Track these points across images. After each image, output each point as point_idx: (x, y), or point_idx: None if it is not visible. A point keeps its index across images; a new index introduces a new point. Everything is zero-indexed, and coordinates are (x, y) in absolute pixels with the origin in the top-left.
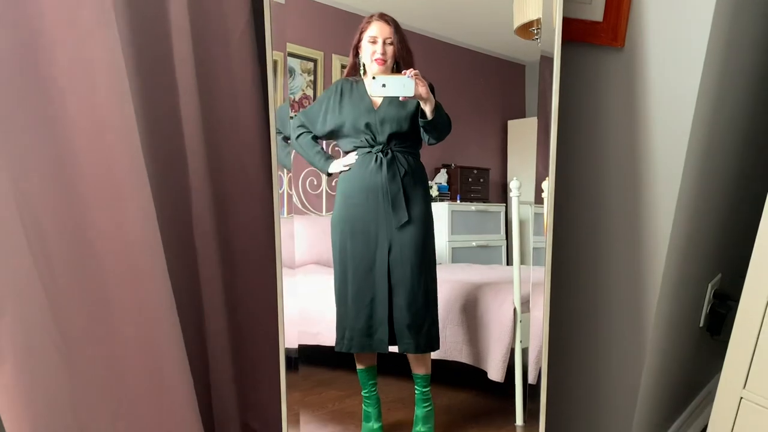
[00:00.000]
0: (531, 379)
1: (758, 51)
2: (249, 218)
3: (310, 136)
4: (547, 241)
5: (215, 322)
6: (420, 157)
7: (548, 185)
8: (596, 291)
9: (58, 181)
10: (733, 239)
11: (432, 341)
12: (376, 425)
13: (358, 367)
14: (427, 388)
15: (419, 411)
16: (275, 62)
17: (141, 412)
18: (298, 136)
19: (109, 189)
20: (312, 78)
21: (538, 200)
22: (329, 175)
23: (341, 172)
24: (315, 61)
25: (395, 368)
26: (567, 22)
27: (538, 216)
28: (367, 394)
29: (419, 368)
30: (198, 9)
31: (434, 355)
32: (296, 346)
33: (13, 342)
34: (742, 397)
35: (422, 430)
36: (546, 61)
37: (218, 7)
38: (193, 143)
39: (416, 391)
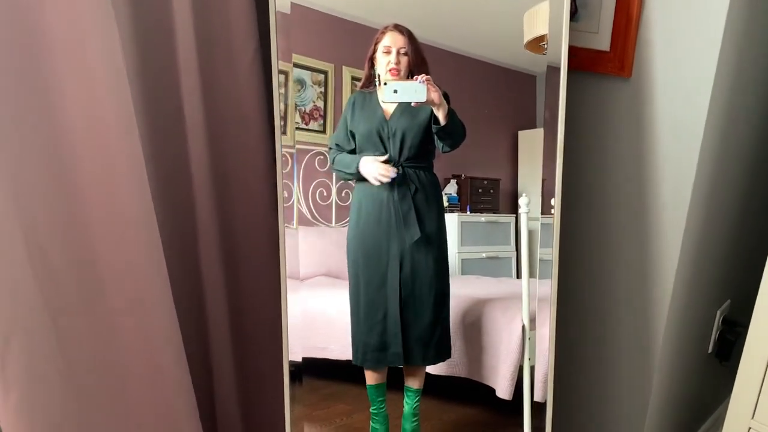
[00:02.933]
0: (537, 398)
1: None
2: (254, 233)
3: (344, 152)
4: (553, 264)
5: (219, 340)
6: (433, 168)
7: (555, 205)
8: (603, 313)
9: (62, 203)
10: (742, 266)
11: (441, 352)
12: None
13: (368, 383)
14: (418, 403)
15: (408, 425)
16: (286, 74)
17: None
18: (334, 159)
19: (114, 213)
20: (323, 89)
21: (546, 211)
22: (357, 174)
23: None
24: (326, 73)
25: (402, 384)
26: (574, 51)
27: (545, 226)
28: (375, 411)
29: (414, 382)
30: (205, 34)
31: (443, 370)
32: (300, 359)
33: (19, 372)
34: (750, 428)
35: None
36: (552, 85)
37: (226, 33)
38: (198, 159)
39: (406, 405)
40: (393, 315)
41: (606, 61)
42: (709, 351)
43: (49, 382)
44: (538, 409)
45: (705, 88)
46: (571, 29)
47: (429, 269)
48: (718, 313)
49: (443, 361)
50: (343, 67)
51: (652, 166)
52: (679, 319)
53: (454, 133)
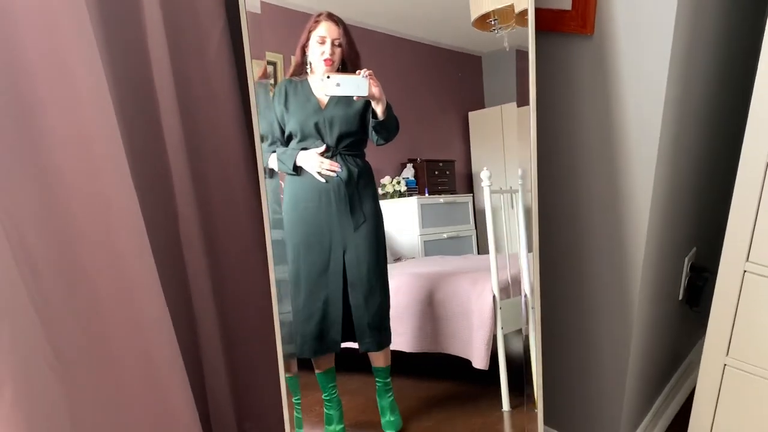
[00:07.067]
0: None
1: (725, 31)
2: (236, 226)
3: (276, 143)
4: (534, 226)
5: (208, 330)
6: (365, 156)
7: (531, 174)
8: (581, 272)
9: (43, 196)
10: (706, 214)
11: (389, 337)
12: (338, 427)
13: (316, 371)
14: (389, 379)
15: (384, 401)
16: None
17: (141, 428)
18: (274, 152)
19: (96, 203)
20: (273, 81)
21: (527, 188)
22: (295, 168)
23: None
24: (275, 64)
25: (355, 365)
26: (538, 12)
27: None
28: (327, 397)
29: (380, 361)
30: (173, 20)
31: (418, 347)
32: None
33: (10, 368)
34: (725, 364)
35: (392, 418)
36: (521, 52)
37: (194, 19)
38: (176, 156)
39: (378, 383)
40: (335, 301)
41: (569, 20)
42: (680, 298)
43: (41, 376)
44: (517, 374)
45: (665, 39)
46: None
47: (372, 253)
48: (686, 260)
49: (388, 345)
50: (292, 57)
51: (618, 121)
52: (653, 269)
53: (390, 127)
